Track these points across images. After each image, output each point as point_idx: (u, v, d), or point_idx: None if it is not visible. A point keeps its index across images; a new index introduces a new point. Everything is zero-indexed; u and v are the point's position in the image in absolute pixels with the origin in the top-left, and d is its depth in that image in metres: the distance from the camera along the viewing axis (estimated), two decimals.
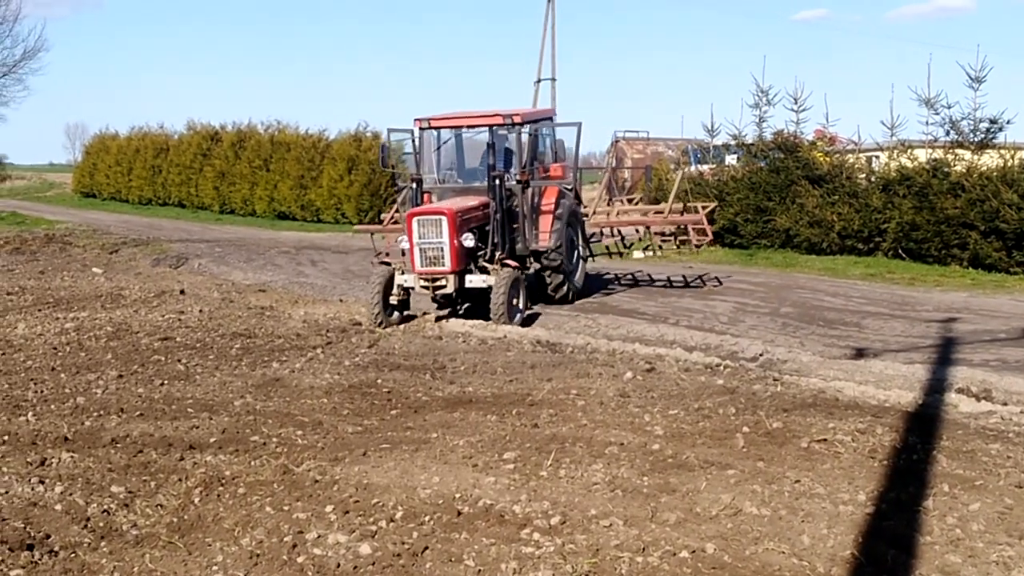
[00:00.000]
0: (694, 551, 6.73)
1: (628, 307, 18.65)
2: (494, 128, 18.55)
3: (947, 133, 25.51)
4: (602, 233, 22.17)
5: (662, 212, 22.49)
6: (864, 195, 25.63)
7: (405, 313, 17.81)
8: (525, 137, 18.34)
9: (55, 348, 14.53)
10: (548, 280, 19.07)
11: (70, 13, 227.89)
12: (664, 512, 7.48)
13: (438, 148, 19.40)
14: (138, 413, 10.82)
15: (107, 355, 14.01)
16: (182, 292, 20.51)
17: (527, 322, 17.30)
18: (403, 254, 18.24)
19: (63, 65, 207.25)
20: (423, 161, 19.21)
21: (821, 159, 27.56)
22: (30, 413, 10.72)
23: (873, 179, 26.28)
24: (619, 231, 22.52)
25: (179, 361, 13.60)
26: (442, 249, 17.08)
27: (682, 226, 21.82)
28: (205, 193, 49.55)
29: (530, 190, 18.57)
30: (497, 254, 17.79)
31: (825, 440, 9.37)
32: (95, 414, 10.74)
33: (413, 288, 17.57)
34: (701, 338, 15.15)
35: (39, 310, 18.12)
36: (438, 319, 17.55)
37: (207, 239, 33.51)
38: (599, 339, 15.46)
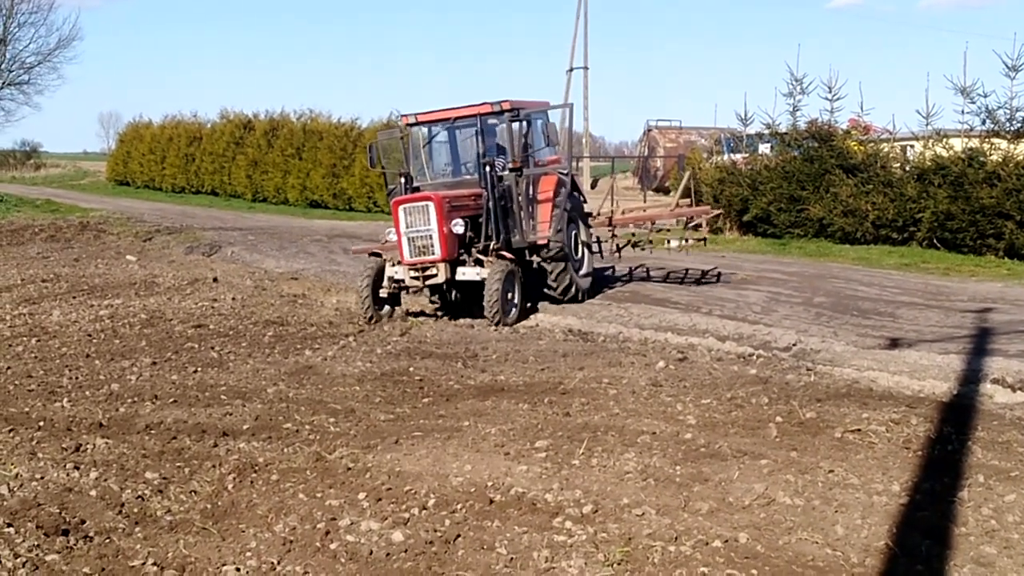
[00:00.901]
0: (727, 541, 6.71)
1: (660, 296, 18.57)
2: (483, 117, 17.50)
3: (983, 122, 25.29)
4: (612, 236, 20.21)
5: (667, 206, 21.32)
6: (899, 184, 25.45)
7: (397, 309, 17.00)
8: (516, 125, 17.29)
9: (89, 335, 14.63)
10: (551, 275, 17.63)
11: (103, 3, 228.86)
12: (697, 501, 7.47)
13: (427, 144, 18.41)
14: (172, 400, 10.88)
15: (141, 342, 14.09)
16: (215, 280, 20.60)
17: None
18: (383, 242, 17.83)
19: (97, 54, 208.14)
20: (412, 158, 18.24)
21: (855, 148, 27.39)
22: (65, 399, 10.79)
23: (908, 168, 26.09)
24: (614, 232, 20.36)
25: (212, 348, 13.67)
26: (431, 237, 16.17)
27: (687, 221, 20.62)
28: (238, 181, 49.75)
29: (526, 180, 17.43)
30: (492, 245, 16.68)
31: (859, 430, 9.33)
32: (129, 401, 10.80)
33: (404, 281, 16.67)
34: (734, 328, 15.09)
35: (73, 297, 18.24)
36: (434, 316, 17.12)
37: (240, 227, 33.65)
38: (631, 328, 15.44)
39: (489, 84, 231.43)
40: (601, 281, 20.32)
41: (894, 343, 13.82)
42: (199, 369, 12.47)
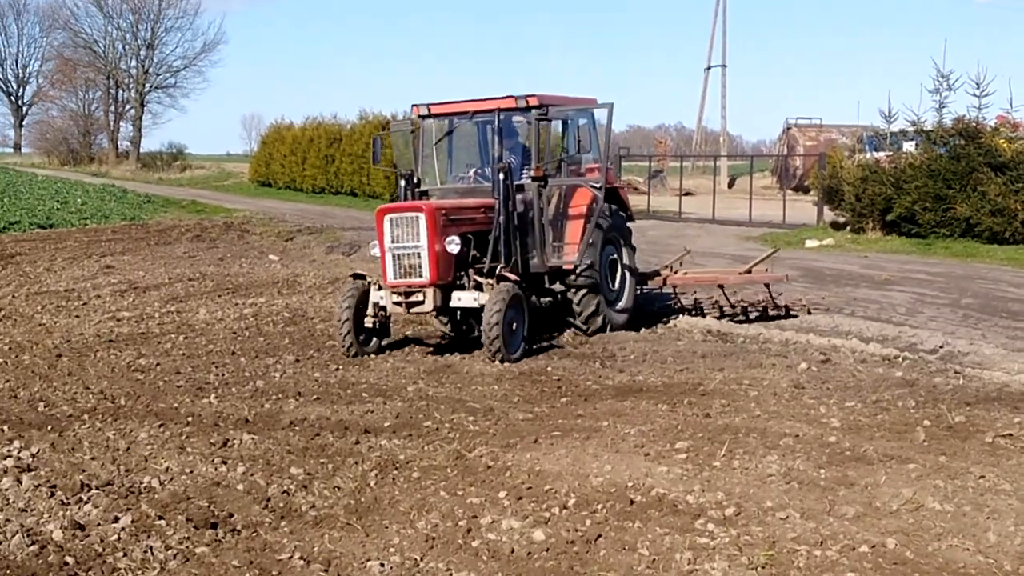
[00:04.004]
0: (874, 546, 6.57)
1: (800, 297, 18.24)
2: (503, 114, 14.63)
3: None
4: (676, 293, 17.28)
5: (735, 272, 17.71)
6: None
7: (385, 341, 14.26)
8: (545, 125, 14.65)
9: (234, 333, 14.96)
10: (577, 307, 14.82)
11: (247, 7, 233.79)
12: (842, 505, 7.33)
13: (438, 141, 15.64)
14: (315, 397, 11.07)
15: (284, 340, 14.36)
16: None
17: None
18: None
19: (240, 57, 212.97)
20: (423, 157, 15.59)
21: (1004, 146, 26.59)
22: (212, 395, 11.07)
23: None
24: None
25: None
26: (419, 255, 13.39)
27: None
28: (377, 182, 50.23)
29: (557, 191, 14.99)
30: (499, 268, 13.90)
31: (1010, 435, 9.07)
32: (274, 397, 11.03)
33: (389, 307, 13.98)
34: (878, 329, 14.77)
35: (219, 296, 18.67)
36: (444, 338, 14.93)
37: None
38: (771, 329, 15.21)
39: (625, 84, 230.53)
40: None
41: None
42: (340, 367, 12.67)
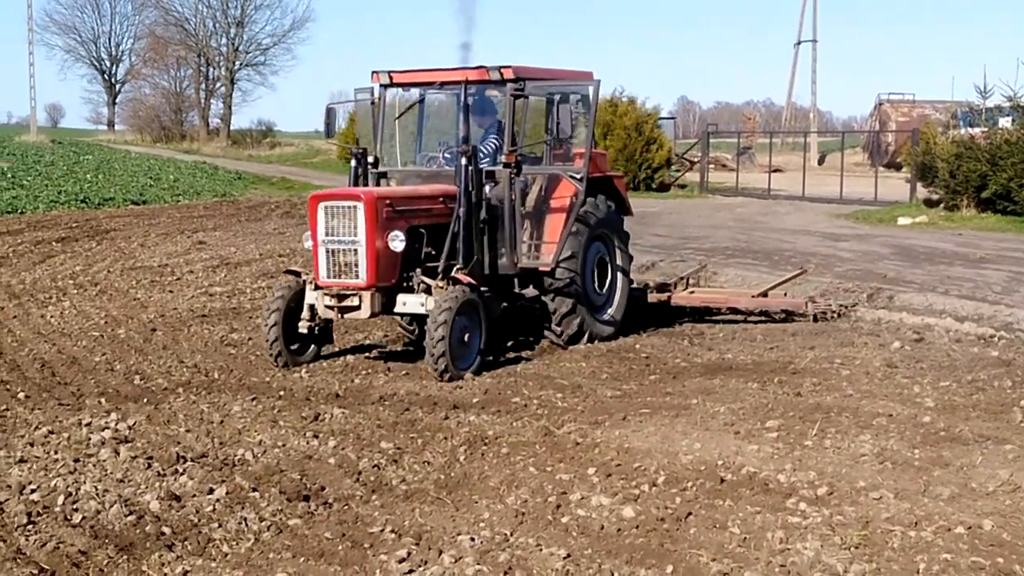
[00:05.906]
0: (970, 527, 6.47)
1: (893, 275, 17.98)
2: (472, 87, 12.60)
3: None
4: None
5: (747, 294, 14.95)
6: None
7: (325, 349, 12.22)
8: (521, 102, 12.42)
9: None
10: (555, 315, 12.57)
11: None
12: (937, 486, 7.22)
13: (400, 115, 13.54)
14: (404, 372, 11.17)
15: None
16: None
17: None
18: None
19: (327, 34, 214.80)
20: (383, 132, 13.43)
21: None
22: (303, 370, 11.22)
23: None
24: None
25: None
26: (356, 252, 11.34)
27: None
28: None
29: (539, 181, 12.91)
30: (455, 268, 11.62)
31: None
32: (364, 372, 11.15)
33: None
34: (973, 308, 14.48)
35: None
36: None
37: None
38: (863, 307, 15.02)
39: (709, 59, 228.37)
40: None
41: None
42: None
